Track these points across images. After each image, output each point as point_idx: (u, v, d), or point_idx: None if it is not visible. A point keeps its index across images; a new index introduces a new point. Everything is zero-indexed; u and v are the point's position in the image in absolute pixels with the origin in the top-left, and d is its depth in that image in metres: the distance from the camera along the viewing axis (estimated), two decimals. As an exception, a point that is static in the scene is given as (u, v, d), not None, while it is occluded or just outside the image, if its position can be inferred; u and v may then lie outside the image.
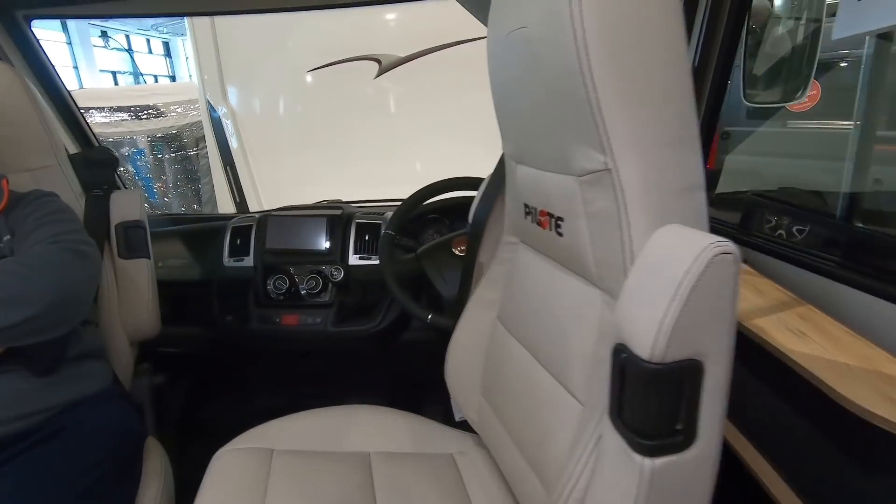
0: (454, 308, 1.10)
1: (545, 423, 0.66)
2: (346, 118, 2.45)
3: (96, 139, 1.35)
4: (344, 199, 1.92)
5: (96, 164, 1.16)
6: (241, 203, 2.66)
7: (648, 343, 0.41)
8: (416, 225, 1.34)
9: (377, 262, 1.29)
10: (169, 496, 0.88)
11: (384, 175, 2.34)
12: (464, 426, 1.04)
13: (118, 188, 1.19)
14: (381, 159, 2.42)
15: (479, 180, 1.24)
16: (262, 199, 2.49)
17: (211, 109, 2.52)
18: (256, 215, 1.37)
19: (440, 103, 2.44)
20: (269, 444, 0.86)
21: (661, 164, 0.51)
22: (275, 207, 1.98)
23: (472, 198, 1.35)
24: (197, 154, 3.72)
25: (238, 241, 1.34)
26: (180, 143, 3.70)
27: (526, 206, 0.73)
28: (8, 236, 0.85)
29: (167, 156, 3.71)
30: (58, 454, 0.76)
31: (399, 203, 1.81)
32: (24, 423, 0.77)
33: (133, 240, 1.13)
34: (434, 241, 1.16)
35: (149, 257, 1.15)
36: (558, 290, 0.66)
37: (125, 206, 1.14)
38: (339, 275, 1.22)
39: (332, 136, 2.44)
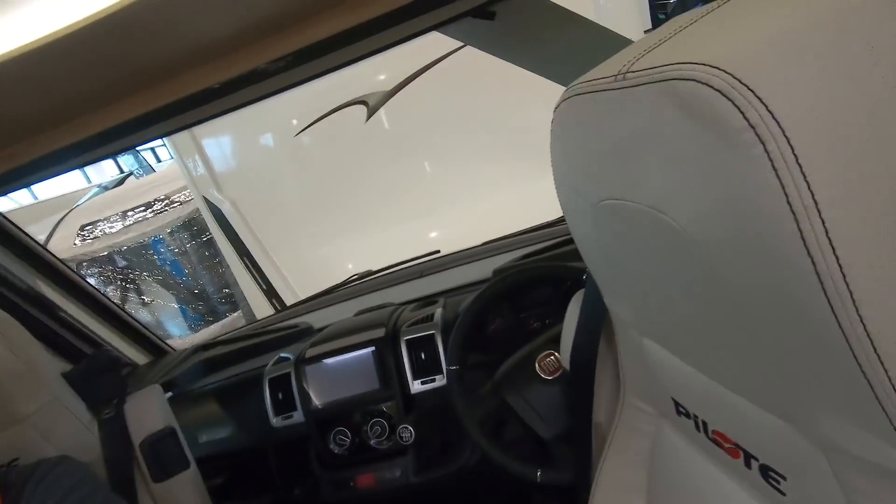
0: (561, 453, 0.87)
1: None
2: (350, 176, 2.22)
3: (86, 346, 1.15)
4: (374, 269, 1.73)
5: (96, 373, 0.98)
6: (269, 290, 2.49)
7: None
8: None
9: (444, 382, 1.07)
10: None
11: (412, 227, 2.11)
12: None
13: (128, 393, 1.00)
14: (403, 211, 2.18)
15: (558, 269, 0.98)
16: (292, 285, 2.30)
17: (210, 205, 2.34)
18: (290, 358, 1.17)
19: (447, 128, 2.17)
20: None
21: None
22: (302, 300, 1.78)
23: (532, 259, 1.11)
24: (212, 238, 3.60)
25: (280, 396, 1.14)
26: (192, 232, 3.58)
27: (678, 404, 0.48)
28: None
29: (187, 246, 3.60)
30: None
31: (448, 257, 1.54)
32: None
33: (165, 455, 0.94)
34: (510, 361, 0.92)
35: (188, 466, 0.96)
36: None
37: (144, 416, 0.95)
38: (408, 432, 1.01)
39: (343, 199, 2.22)
